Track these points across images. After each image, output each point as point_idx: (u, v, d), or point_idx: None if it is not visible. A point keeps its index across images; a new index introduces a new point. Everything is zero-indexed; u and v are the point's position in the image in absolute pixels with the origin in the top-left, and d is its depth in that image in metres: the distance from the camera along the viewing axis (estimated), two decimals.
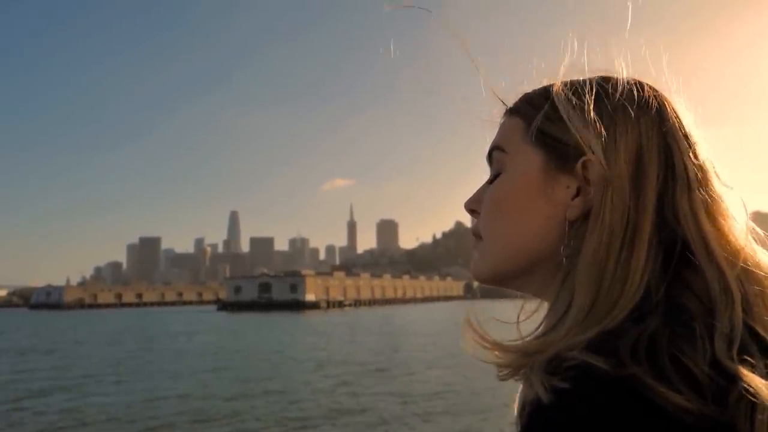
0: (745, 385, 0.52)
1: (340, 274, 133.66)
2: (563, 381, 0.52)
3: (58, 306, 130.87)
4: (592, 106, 0.65)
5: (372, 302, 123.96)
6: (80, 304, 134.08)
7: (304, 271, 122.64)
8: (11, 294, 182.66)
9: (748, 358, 0.54)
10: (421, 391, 17.42)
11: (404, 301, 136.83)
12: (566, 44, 0.70)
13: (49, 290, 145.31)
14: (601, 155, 0.63)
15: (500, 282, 0.72)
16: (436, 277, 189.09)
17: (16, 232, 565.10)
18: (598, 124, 0.64)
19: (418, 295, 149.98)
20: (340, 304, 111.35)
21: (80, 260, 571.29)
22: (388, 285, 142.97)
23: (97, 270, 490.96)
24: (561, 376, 0.52)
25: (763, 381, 0.52)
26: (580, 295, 0.60)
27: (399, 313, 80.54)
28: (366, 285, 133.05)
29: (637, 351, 0.53)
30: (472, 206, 0.74)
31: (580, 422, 0.50)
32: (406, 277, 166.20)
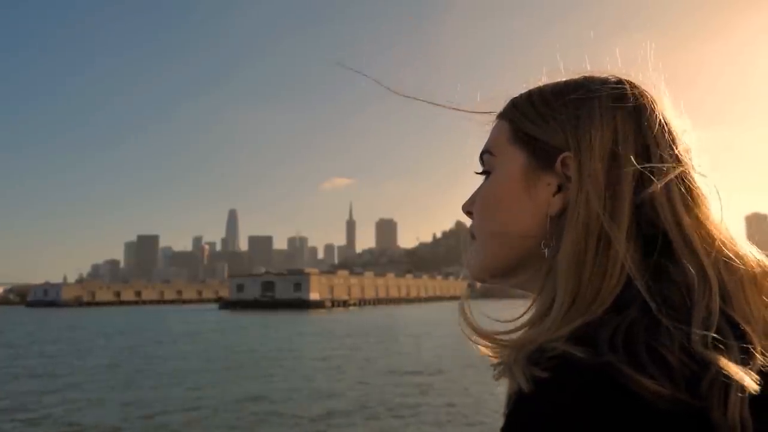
0: (720, 370, 0.53)
1: (344, 273, 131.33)
2: (544, 371, 0.54)
3: (55, 304, 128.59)
4: (568, 105, 0.69)
5: (376, 301, 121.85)
6: (78, 302, 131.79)
7: (308, 270, 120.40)
8: (8, 291, 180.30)
9: (723, 346, 0.55)
10: (442, 397, 15.84)
11: (408, 300, 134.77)
12: (560, 46, 0.72)
13: (46, 288, 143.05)
14: (576, 151, 0.66)
15: (493, 279, 0.74)
16: (439, 277, 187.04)
17: (14, 229, 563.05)
18: (574, 121, 0.67)
19: (422, 295, 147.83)
20: (345, 304, 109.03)
21: (78, 258, 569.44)
22: (392, 284, 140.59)
23: (95, 268, 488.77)
24: (542, 366, 0.55)
25: (732, 363, 0.54)
26: (561, 289, 0.62)
27: (406, 312, 78.73)
28: (370, 284, 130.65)
29: (615, 340, 0.55)
30: (468, 208, 0.77)
31: (559, 408, 0.53)
32: (409, 276, 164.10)
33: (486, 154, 0.75)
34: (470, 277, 0.77)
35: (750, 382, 0.53)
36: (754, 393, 0.53)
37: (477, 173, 0.76)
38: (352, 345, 32.23)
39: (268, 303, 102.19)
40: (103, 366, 23.80)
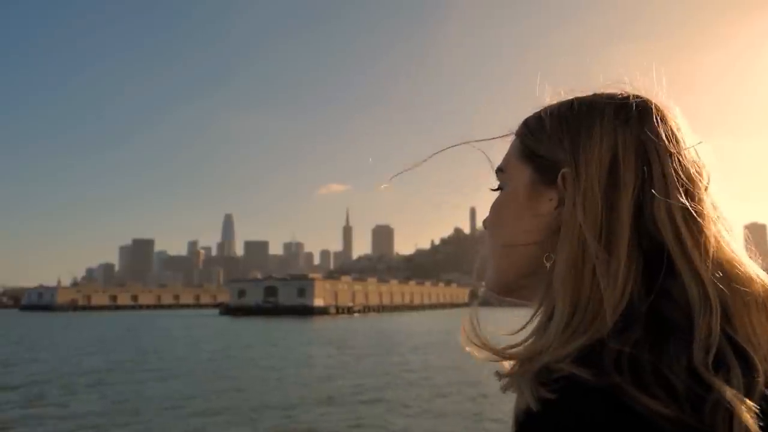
0: (718, 395, 0.54)
1: (348, 279, 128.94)
2: (551, 392, 0.56)
3: (49, 307, 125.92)
4: (571, 122, 0.69)
5: (380, 308, 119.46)
6: (73, 306, 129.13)
7: (312, 275, 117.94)
8: (1, 294, 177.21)
9: (725, 368, 0.56)
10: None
11: (411, 307, 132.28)
12: (573, 64, 0.76)
13: (41, 291, 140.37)
14: (573, 167, 0.66)
15: (505, 292, 0.75)
16: (441, 284, 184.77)
17: (8, 231, 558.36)
18: (575, 138, 0.68)
19: (425, 302, 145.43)
20: (349, 310, 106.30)
21: (72, 261, 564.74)
22: (396, 290, 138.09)
23: (89, 271, 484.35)
24: (549, 387, 0.56)
25: (734, 391, 0.54)
26: (559, 303, 0.63)
27: (413, 320, 76.38)
28: (374, 290, 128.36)
29: (621, 361, 0.56)
30: (485, 223, 0.79)
31: (567, 430, 0.54)
32: (412, 282, 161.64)
33: (499, 171, 0.77)
34: (488, 289, 0.78)
35: (746, 412, 0.54)
36: (753, 419, 0.53)
37: (492, 189, 0.78)
38: (373, 357, 30.11)
39: (270, 309, 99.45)
40: (105, 381, 21.52)
